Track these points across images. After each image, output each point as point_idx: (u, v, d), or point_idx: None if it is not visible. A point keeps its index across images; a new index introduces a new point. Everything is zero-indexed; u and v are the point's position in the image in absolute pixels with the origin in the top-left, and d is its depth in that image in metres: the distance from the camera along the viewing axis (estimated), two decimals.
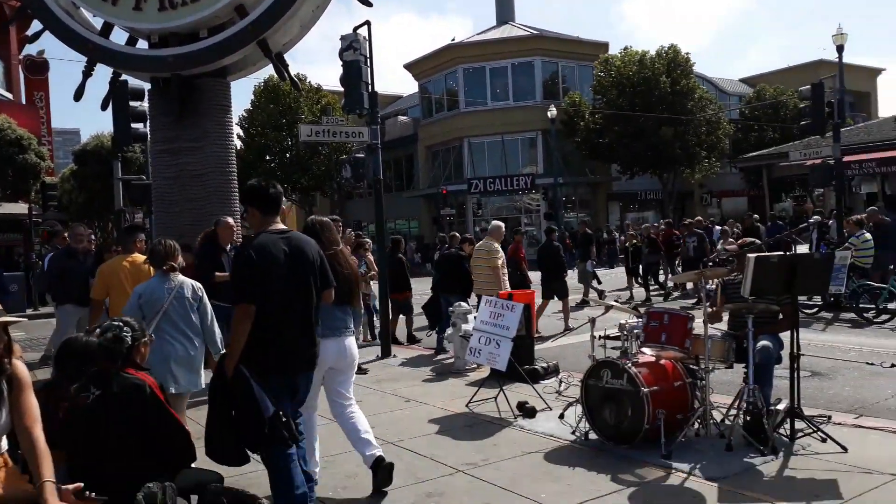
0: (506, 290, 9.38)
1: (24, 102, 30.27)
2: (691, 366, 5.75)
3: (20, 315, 5.19)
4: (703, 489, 4.53)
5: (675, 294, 16.40)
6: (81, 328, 7.59)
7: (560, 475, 4.94)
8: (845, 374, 7.80)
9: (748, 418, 5.28)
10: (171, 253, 5.25)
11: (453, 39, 39.61)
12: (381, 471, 4.69)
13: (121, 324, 3.65)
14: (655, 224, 23.11)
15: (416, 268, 28.73)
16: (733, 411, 5.48)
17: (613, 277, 21.21)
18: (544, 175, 34.88)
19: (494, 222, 10.87)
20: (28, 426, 2.81)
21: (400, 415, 6.86)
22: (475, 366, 8.41)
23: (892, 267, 11.54)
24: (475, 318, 7.90)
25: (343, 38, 9.91)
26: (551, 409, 6.59)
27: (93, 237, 10.95)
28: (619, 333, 6.20)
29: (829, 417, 5.73)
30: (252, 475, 4.70)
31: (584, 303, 14.79)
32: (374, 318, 11.22)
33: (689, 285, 15.80)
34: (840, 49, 17.28)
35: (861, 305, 11.54)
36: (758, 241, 8.92)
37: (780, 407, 5.38)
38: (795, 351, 5.30)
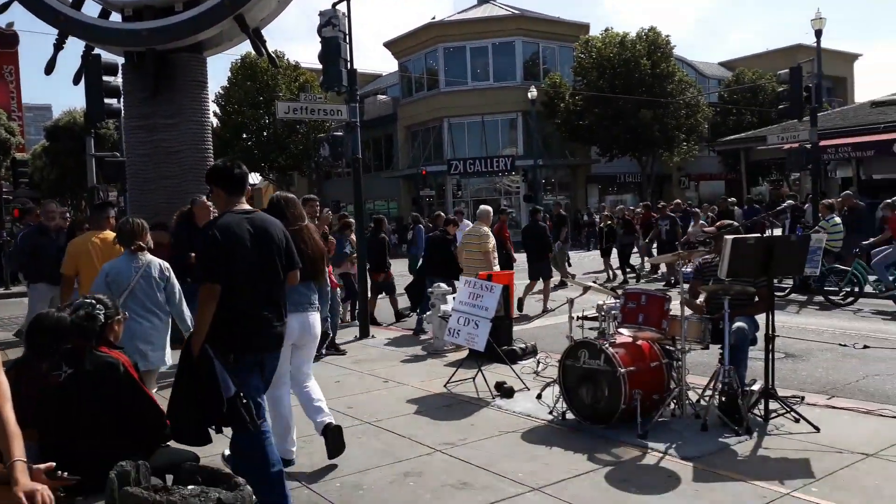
0: None
1: None
2: (668, 346, 5.80)
3: None
4: (679, 468, 4.57)
5: (643, 280, 16.49)
6: (54, 307, 7.47)
7: (537, 454, 4.97)
8: (818, 356, 7.92)
9: (723, 399, 5.34)
10: (139, 232, 5.24)
11: (434, 18, 39.29)
12: (330, 434, 4.80)
13: (94, 301, 3.59)
14: (631, 207, 23.26)
15: (393, 248, 28.64)
16: (709, 392, 5.54)
17: (591, 259, 21.31)
18: (524, 157, 34.85)
19: (483, 207, 10.86)
20: None
21: (378, 395, 6.85)
22: (453, 346, 8.42)
23: (856, 251, 11.70)
24: (454, 298, 7.89)
25: (322, 13, 9.78)
26: (529, 390, 6.63)
27: (67, 215, 10.73)
28: (596, 314, 6.24)
29: (803, 398, 5.82)
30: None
31: (562, 283, 14.86)
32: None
33: (663, 268, 15.94)
34: (818, 33, 17.37)
35: (826, 288, 11.73)
36: (735, 223, 8.98)
37: (755, 388, 5.45)
38: (770, 333, 5.36)
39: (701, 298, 6.23)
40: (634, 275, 16.63)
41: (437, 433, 5.52)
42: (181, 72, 10.49)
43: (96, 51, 10.99)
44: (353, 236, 10.64)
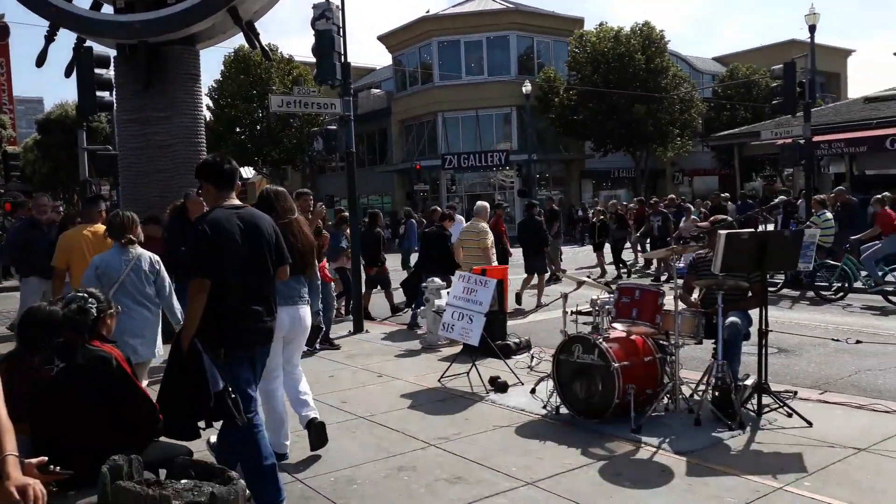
0: None
1: None
2: (661, 341, 5.80)
3: None
4: (672, 463, 4.59)
5: (635, 275, 16.51)
6: (46, 301, 7.43)
7: (531, 449, 4.98)
8: (811, 351, 7.95)
9: (716, 393, 5.36)
10: (130, 225, 5.24)
11: (428, 12, 39.16)
12: (313, 429, 4.85)
13: (86, 295, 3.56)
14: (624, 202, 23.28)
15: (387, 243, 28.62)
16: (702, 387, 5.56)
17: (585, 254, 21.32)
18: (518, 151, 34.83)
19: (480, 202, 10.84)
20: None
21: (372, 389, 6.84)
22: (448, 341, 8.41)
23: (846, 246, 11.74)
24: (448, 293, 7.89)
25: (315, 6, 9.73)
26: (523, 384, 6.63)
27: (59, 209, 10.66)
28: (590, 309, 6.24)
29: (795, 393, 5.84)
30: None
31: (555, 278, 14.86)
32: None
33: (654, 263, 15.96)
34: (812, 29, 17.41)
35: (817, 283, 11.77)
36: (729, 218, 9.00)
37: (748, 382, 5.47)
38: (763, 327, 5.37)
39: (695, 294, 6.24)
40: (626, 270, 16.67)
41: (431, 427, 5.52)
42: (174, 64, 10.44)
43: (88, 43, 10.91)
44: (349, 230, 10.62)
